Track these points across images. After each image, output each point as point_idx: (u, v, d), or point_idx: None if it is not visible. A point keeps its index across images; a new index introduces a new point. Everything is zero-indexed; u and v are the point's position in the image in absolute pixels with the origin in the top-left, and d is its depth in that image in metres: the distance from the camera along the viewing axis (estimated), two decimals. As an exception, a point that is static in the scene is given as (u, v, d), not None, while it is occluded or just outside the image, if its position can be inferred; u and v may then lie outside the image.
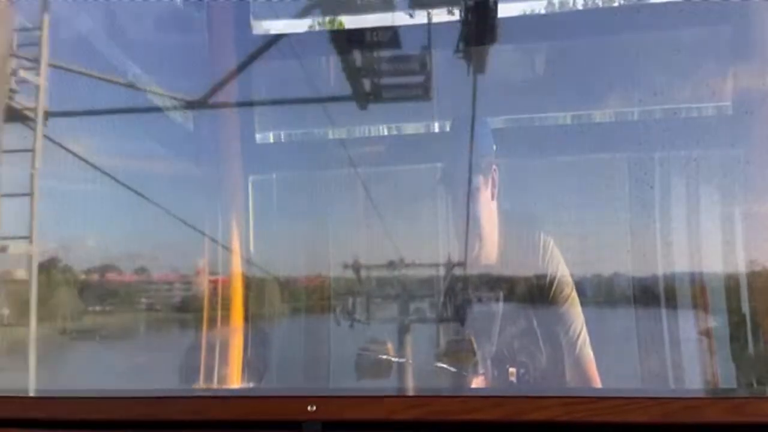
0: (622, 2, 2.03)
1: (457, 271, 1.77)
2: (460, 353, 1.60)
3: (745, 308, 1.49)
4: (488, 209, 1.76)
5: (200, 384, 1.92)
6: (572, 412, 0.94)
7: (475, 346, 1.59)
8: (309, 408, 0.98)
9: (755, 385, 1.55)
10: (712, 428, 0.92)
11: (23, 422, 1.10)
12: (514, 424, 0.96)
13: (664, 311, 1.70)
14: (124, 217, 2.16)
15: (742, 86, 1.81)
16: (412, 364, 1.59)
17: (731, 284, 1.57)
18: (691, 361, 1.61)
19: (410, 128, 2.37)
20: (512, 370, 1.62)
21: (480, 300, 1.72)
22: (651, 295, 1.72)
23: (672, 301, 1.69)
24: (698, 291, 1.66)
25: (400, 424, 0.98)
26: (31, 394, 1.21)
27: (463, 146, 1.78)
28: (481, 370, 1.61)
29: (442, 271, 1.80)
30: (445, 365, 1.52)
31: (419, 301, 1.81)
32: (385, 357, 1.57)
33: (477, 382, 1.59)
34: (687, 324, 1.68)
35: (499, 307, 1.70)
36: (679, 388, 1.64)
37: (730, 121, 1.84)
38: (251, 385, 1.97)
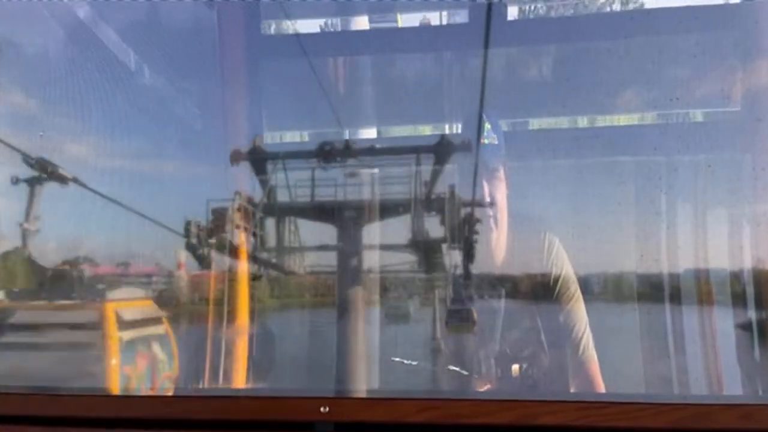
0: (632, 6, 2.03)
1: (466, 267, 1.77)
2: (460, 322, 1.61)
3: (758, 312, 1.49)
4: (503, 207, 1.76)
5: (206, 383, 1.92)
6: (585, 416, 0.94)
7: (475, 315, 1.60)
8: (322, 409, 0.98)
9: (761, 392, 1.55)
10: (723, 435, 0.93)
11: (30, 419, 1.11)
12: (526, 427, 0.96)
13: (672, 315, 1.70)
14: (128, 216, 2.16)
15: (751, 91, 1.81)
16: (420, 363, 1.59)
17: (742, 289, 1.57)
18: (703, 367, 1.61)
19: (419, 128, 2.37)
20: (515, 367, 1.63)
21: (484, 298, 1.72)
22: (661, 299, 1.72)
23: (682, 305, 1.70)
24: (710, 295, 1.66)
25: (412, 427, 0.98)
26: (38, 391, 1.21)
27: (475, 145, 1.79)
28: (484, 369, 1.62)
29: (453, 266, 1.79)
30: (456, 368, 1.53)
31: (426, 295, 1.81)
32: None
33: (480, 381, 1.60)
34: (695, 328, 1.68)
35: (503, 305, 1.71)
36: (691, 394, 1.65)
37: (739, 126, 1.84)
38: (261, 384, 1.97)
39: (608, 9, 2.01)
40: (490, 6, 1.90)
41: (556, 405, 0.97)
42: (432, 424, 0.98)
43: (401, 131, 2.45)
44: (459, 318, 1.61)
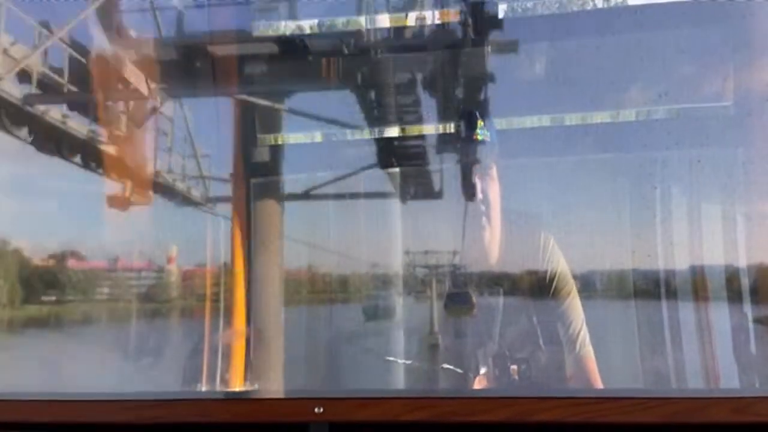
0: (622, 4, 2.03)
1: (461, 265, 1.77)
2: (459, 306, 1.62)
3: (753, 306, 1.50)
4: (496, 205, 1.77)
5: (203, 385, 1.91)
6: (580, 412, 0.94)
7: (474, 299, 1.62)
8: (316, 409, 0.98)
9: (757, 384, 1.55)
10: (717, 428, 0.93)
11: (23, 426, 1.10)
12: (521, 424, 0.96)
13: (667, 310, 1.71)
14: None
15: (743, 85, 1.81)
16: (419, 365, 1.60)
17: (736, 283, 1.58)
18: (698, 361, 1.61)
19: (415, 128, 2.37)
20: (513, 367, 1.63)
21: (480, 296, 1.73)
22: (657, 294, 1.73)
23: (677, 300, 1.70)
24: (705, 290, 1.67)
25: (407, 426, 0.98)
26: (33, 397, 1.21)
27: (472, 144, 1.79)
28: (482, 367, 1.62)
29: (447, 263, 1.80)
30: (451, 366, 1.53)
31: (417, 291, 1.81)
32: None
33: (478, 378, 1.61)
34: (690, 322, 1.68)
35: (499, 304, 1.71)
36: (685, 388, 1.65)
37: (731, 121, 1.85)
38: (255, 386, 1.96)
39: (599, 6, 2.01)
40: (482, 4, 1.90)
41: (551, 401, 0.97)
42: (427, 422, 0.98)
43: (399, 129, 2.43)
44: (458, 301, 1.62)
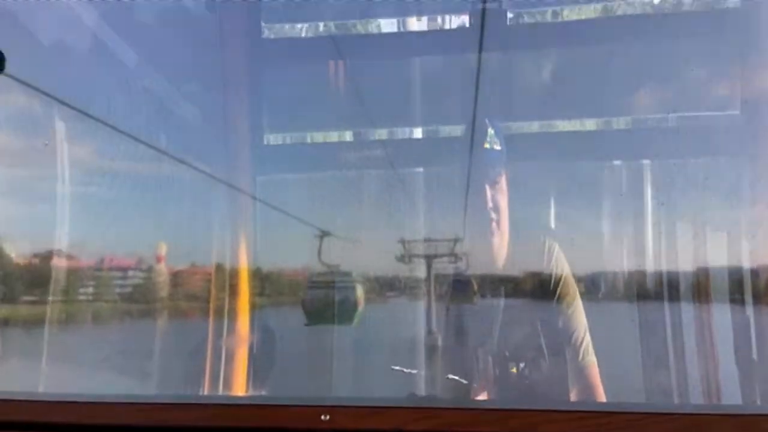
0: (631, 12, 2.03)
1: (467, 269, 1.79)
2: (461, 293, 1.64)
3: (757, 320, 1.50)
4: (504, 210, 1.77)
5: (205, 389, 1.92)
6: (583, 426, 0.95)
7: (475, 287, 1.64)
8: (322, 417, 0.99)
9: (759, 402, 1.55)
10: (721, 444, 0.93)
11: (32, 426, 1.11)
12: (526, 436, 0.97)
13: (671, 321, 1.71)
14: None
15: (751, 94, 1.81)
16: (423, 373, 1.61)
17: (741, 296, 1.58)
18: (701, 375, 1.61)
19: (422, 131, 2.37)
20: (514, 371, 1.64)
21: (483, 301, 1.74)
22: (660, 306, 1.73)
23: (681, 312, 1.70)
24: (709, 303, 1.67)
25: (412, 435, 0.99)
26: (41, 398, 1.22)
27: (478, 149, 1.80)
28: (482, 374, 1.63)
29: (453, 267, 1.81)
30: (456, 377, 1.54)
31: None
32: None
33: (479, 385, 1.62)
34: (694, 336, 1.68)
35: (502, 310, 1.72)
36: (690, 403, 1.65)
37: (739, 130, 1.84)
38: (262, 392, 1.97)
39: (608, 14, 2.01)
40: (490, 10, 1.90)
41: (555, 414, 0.97)
42: (432, 432, 0.99)
43: (404, 133, 2.44)
44: (460, 288, 1.64)
